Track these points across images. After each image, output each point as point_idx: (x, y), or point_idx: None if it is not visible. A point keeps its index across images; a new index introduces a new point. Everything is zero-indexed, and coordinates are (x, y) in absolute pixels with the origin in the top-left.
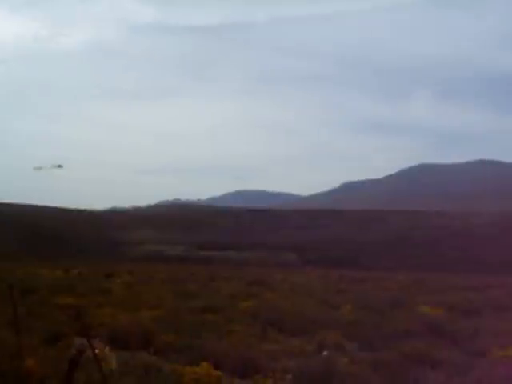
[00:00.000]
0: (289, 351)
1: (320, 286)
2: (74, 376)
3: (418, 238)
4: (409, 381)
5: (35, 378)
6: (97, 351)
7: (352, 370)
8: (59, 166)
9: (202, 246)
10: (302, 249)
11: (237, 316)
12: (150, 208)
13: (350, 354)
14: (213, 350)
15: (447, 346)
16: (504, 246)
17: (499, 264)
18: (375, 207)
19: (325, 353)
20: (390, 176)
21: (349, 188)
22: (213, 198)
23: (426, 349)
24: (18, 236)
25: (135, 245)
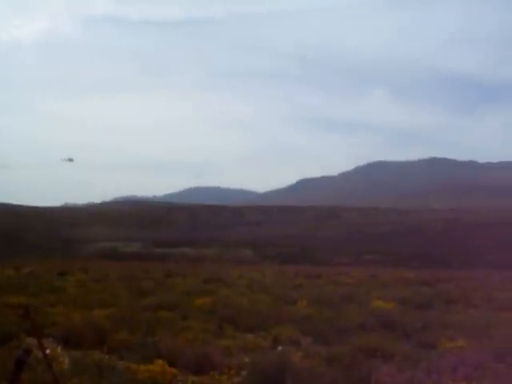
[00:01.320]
0: (244, 347)
1: (276, 281)
2: (20, 377)
3: (372, 234)
4: (362, 374)
5: None
6: (48, 351)
7: (306, 364)
8: (70, 160)
9: (157, 243)
10: (259, 245)
11: (192, 313)
12: (104, 205)
13: (305, 349)
14: (167, 347)
15: (399, 338)
16: (454, 241)
17: (450, 259)
18: (331, 204)
19: (280, 348)
20: (346, 173)
21: (305, 185)
22: (169, 195)
23: (378, 342)
24: None
25: (89, 242)
